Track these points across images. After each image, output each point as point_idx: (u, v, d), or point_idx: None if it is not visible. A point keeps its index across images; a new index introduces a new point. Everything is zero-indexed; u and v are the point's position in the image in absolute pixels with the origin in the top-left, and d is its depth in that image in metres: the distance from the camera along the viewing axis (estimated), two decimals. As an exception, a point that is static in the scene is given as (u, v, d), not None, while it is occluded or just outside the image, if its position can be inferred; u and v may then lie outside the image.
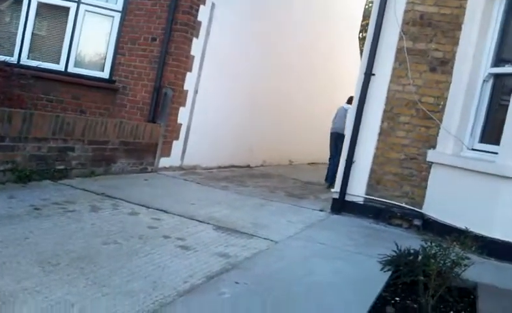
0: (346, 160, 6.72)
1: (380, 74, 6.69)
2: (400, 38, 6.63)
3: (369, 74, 6.67)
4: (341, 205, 6.69)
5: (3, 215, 4.25)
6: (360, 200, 6.72)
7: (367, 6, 19.74)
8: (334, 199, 6.78)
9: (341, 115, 9.71)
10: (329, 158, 9.85)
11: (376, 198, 6.66)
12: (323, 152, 14.37)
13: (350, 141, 6.72)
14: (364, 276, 4.18)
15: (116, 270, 3.42)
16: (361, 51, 9.23)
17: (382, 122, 6.74)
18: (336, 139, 9.59)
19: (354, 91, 6.83)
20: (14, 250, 3.47)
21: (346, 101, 9.97)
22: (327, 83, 14.10)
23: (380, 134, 6.74)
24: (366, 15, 18.37)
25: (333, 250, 4.86)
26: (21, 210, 4.50)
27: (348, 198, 6.72)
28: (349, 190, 6.71)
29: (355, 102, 6.78)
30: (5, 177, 5.43)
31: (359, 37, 18.00)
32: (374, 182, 6.73)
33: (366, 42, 6.88)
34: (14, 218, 4.24)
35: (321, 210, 6.78)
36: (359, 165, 6.74)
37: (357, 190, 6.73)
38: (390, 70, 6.69)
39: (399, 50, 6.65)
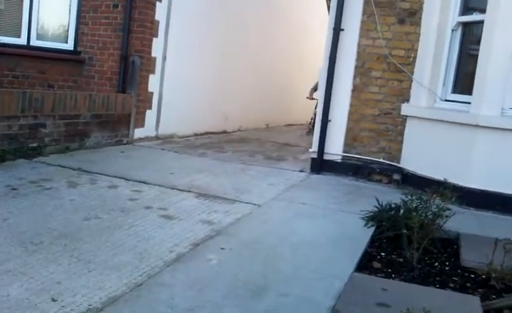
0: (322, 119, 6.71)
1: (349, 29, 6.63)
2: (366, -10, 6.57)
3: (337, 29, 6.59)
4: (320, 165, 6.71)
5: (-22, 197, 4.15)
6: (338, 158, 6.75)
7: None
8: (313, 158, 6.79)
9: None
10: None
11: (354, 155, 6.70)
12: (299, 115, 14.43)
13: (324, 100, 6.70)
14: (348, 233, 4.22)
15: (100, 245, 3.37)
16: (329, 6, 9.09)
17: (355, 78, 6.72)
18: None
19: (324, 48, 6.76)
20: (-7, 232, 3.40)
21: None
22: (298, 43, 14.01)
23: (353, 91, 6.73)
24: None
25: (316, 209, 4.89)
26: (-3, 191, 4.40)
27: (326, 157, 6.73)
28: (327, 149, 6.72)
29: (325, 59, 6.71)
30: (-24, 158, 5.29)
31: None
32: (350, 139, 6.75)
33: (332, -3, 6.80)
34: (-10, 199, 4.14)
35: (301, 171, 6.80)
36: (334, 123, 6.74)
37: (335, 148, 6.75)
38: (359, 24, 6.64)
39: (367, 2, 6.57)
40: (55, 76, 8.11)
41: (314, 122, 10.59)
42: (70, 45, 8.25)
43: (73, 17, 8.19)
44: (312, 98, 11.90)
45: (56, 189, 4.66)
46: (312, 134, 10.35)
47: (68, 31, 8.26)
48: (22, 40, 8.05)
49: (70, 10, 8.21)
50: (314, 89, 11.69)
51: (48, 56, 8.06)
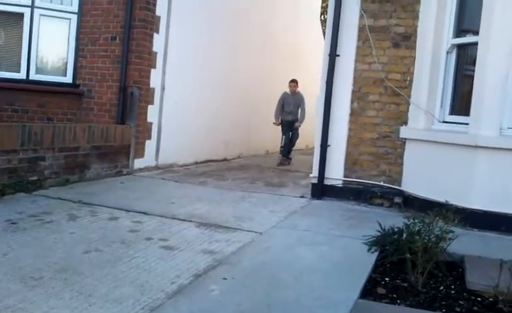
0: (321, 145, 6.71)
1: (345, 54, 6.68)
2: (361, 16, 6.63)
3: (333, 55, 6.64)
4: (321, 190, 6.68)
5: (-22, 233, 4.12)
6: (339, 183, 6.73)
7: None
8: (313, 184, 6.77)
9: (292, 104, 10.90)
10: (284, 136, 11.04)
11: (355, 179, 6.68)
12: (299, 140, 14.45)
13: (323, 125, 6.70)
14: (351, 259, 4.17)
15: (101, 278, 3.34)
16: (324, 33, 9.16)
17: (352, 102, 6.74)
18: (292, 124, 11.04)
19: (321, 74, 6.80)
20: (-7, 268, 3.36)
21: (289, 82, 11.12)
22: (295, 69, 14.09)
23: (351, 115, 6.75)
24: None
25: (318, 235, 4.85)
26: (-3, 226, 4.37)
27: (327, 182, 6.71)
28: (327, 174, 6.70)
29: (322, 84, 6.75)
30: (-24, 193, 5.28)
31: (320, 19, 17.99)
32: (350, 163, 6.74)
33: (327, 24, 6.84)
34: (-10, 235, 4.11)
35: (302, 197, 6.77)
36: (334, 148, 6.74)
37: (335, 173, 6.74)
38: (354, 49, 6.69)
39: (361, 28, 6.64)
40: (54, 109, 8.14)
41: (284, 150, 10.82)
42: (68, 79, 8.30)
43: (71, 51, 8.27)
44: (280, 123, 11.03)
45: (57, 222, 4.64)
46: (286, 163, 10.64)
47: (66, 64, 8.32)
48: (21, 74, 8.11)
49: (68, 43, 8.28)
50: (279, 109, 10.97)
51: (47, 89, 8.11)
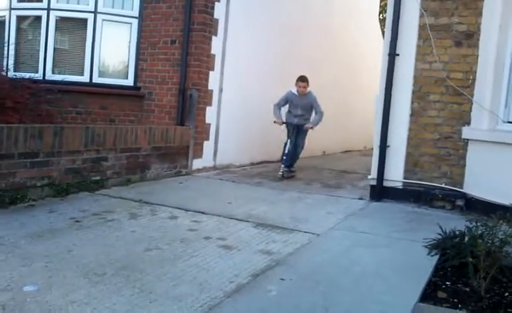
0: (380, 145, 6.60)
1: (405, 54, 6.55)
2: (422, 15, 6.48)
3: (393, 55, 6.54)
4: (380, 192, 6.57)
5: (46, 230, 4.30)
6: (399, 185, 6.60)
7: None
8: (372, 186, 6.67)
9: (301, 107, 8.53)
10: (288, 142, 8.51)
11: (415, 181, 6.53)
12: (356, 140, 14.27)
13: (382, 126, 6.59)
14: (411, 262, 4.09)
15: (161, 276, 3.41)
16: (383, 32, 8.92)
17: (412, 102, 6.60)
18: (298, 128, 8.53)
19: (380, 73, 6.69)
20: (59, 264, 3.50)
21: (296, 81, 8.53)
22: (353, 69, 13.94)
23: (411, 115, 6.61)
24: (384, -5, 18.06)
25: (377, 237, 4.77)
26: (62, 223, 4.54)
27: (386, 184, 6.59)
28: (386, 176, 6.58)
29: (381, 84, 6.63)
30: (43, 192, 5.50)
31: (379, 18, 17.70)
32: (411, 165, 6.60)
33: (387, 23, 6.73)
34: (56, 231, 4.27)
35: (360, 199, 6.68)
36: (393, 149, 6.62)
37: (395, 174, 6.61)
38: (414, 49, 6.55)
39: (422, 27, 6.50)
40: (116, 111, 8.39)
41: (287, 158, 8.29)
42: (130, 81, 8.54)
43: (132, 54, 8.51)
44: (283, 123, 8.66)
45: (118, 221, 4.77)
46: (290, 175, 8.34)
47: (128, 68, 8.56)
48: (85, 78, 8.41)
49: (129, 47, 8.53)
50: (279, 107, 8.60)
51: (109, 92, 8.38)
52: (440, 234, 4.37)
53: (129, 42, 8.52)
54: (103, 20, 8.40)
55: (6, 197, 5.02)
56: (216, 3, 8.23)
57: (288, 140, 8.54)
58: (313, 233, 4.76)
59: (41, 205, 5.22)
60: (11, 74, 8.28)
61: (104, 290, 3.10)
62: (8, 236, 4.04)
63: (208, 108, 8.32)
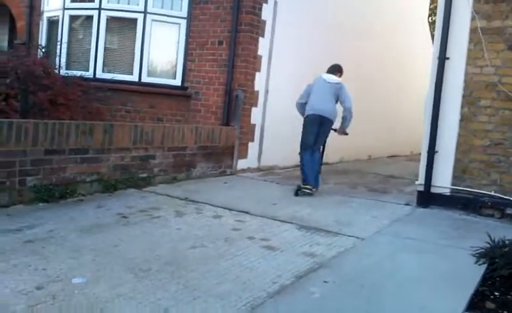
0: (428, 151, 6.46)
1: (455, 57, 6.39)
2: (473, 18, 6.30)
3: (443, 58, 6.39)
4: (427, 198, 6.43)
5: (94, 224, 4.40)
6: (446, 191, 6.44)
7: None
8: (419, 191, 6.54)
9: (325, 91, 6.87)
10: (304, 151, 6.85)
11: (463, 188, 6.36)
12: (403, 145, 14.03)
13: (431, 131, 6.46)
14: (457, 270, 3.99)
15: (205, 273, 3.44)
16: (432, 35, 8.72)
17: (462, 107, 6.43)
18: (320, 125, 6.83)
19: (429, 77, 6.55)
20: (106, 258, 3.58)
21: (327, 70, 7.19)
22: (400, 72, 13.72)
23: (461, 121, 6.43)
24: (434, -1, 17.68)
25: (423, 244, 4.68)
26: (110, 218, 4.65)
27: (433, 190, 6.44)
28: (434, 182, 6.44)
29: (430, 88, 6.50)
30: (92, 187, 5.64)
31: (428, 21, 17.35)
32: (459, 171, 6.43)
33: (436, 26, 6.59)
34: (104, 226, 4.38)
35: (406, 204, 6.56)
36: (442, 155, 6.46)
37: (443, 181, 6.45)
38: (465, 52, 6.37)
39: (473, 30, 6.32)
40: (163, 110, 8.54)
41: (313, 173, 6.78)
42: (177, 81, 8.67)
43: (180, 55, 8.63)
44: (342, 132, 7.25)
45: (164, 218, 4.84)
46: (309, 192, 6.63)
47: (176, 68, 8.69)
48: (134, 77, 8.59)
49: (177, 48, 8.65)
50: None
51: (157, 91, 8.53)
52: (488, 243, 4.25)
53: (178, 43, 8.65)
54: (153, 20, 8.56)
55: (56, 191, 5.17)
56: (264, 4, 8.26)
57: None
58: (358, 237, 4.71)
59: (89, 200, 5.36)
60: (63, 71, 8.56)
61: (149, 285, 3.16)
62: (58, 229, 4.16)
63: (253, 109, 8.36)
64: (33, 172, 4.99)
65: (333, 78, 7.01)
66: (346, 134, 7.23)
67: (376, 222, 5.46)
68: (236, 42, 8.09)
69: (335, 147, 10.74)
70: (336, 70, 7.17)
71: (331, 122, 6.89)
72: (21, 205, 4.82)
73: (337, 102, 6.97)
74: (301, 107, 7.14)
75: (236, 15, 8.06)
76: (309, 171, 6.74)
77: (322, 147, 7.18)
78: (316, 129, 6.82)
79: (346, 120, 7.00)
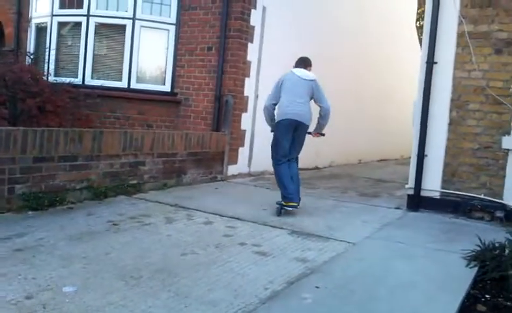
0: (418, 155, 6.50)
1: (443, 62, 6.43)
2: (460, 23, 6.36)
3: (431, 63, 6.43)
4: (417, 202, 6.46)
5: (84, 232, 4.37)
6: (436, 195, 6.47)
7: (420, -7, 19.06)
8: (409, 195, 6.57)
9: (299, 90, 5.87)
10: (278, 163, 5.92)
11: (453, 191, 6.40)
12: (392, 149, 14.09)
13: (420, 135, 6.50)
14: (449, 274, 4.00)
15: (196, 281, 3.42)
16: (420, 40, 8.76)
17: (451, 111, 6.47)
18: (295, 131, 5.86)
19: (418, 81, 6.60)
20: (97, 266, 3.55)
21: (296, 64, 6.21)
22: (389, 76, 13.79)
23: (450, 124, 6.48)
24: (422, 3, 17.79)
25: (414, 248, 4.69)
26: (100, 226, 4.62)
27: (423, 194, 6.47)
28: (424, 185, 6.47)
29: (419, 93, 6.53)
30: (82, 195, 5.60)
31: (416, 26, 17.46)
32: (449, 175, 6.47)
33: (424, 30, 6.64)
34: (94, 234, 4.35)
35: (397, 208, 6.58)
36: (431, 158, 6.50)
37: (432, 184, 6.48)
38: (453, 57, 6.42)
39: (460, 35, 6.37)
40: (153, 117, 8.52)
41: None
42: (167, 87, 8.65)
43: (170, 61, 8.62)
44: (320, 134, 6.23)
45: (155, 224, 4.82)
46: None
47: (165, 73, 8.68)
48: (123, 83, 8.57)
49: (167, 54, 8.64)
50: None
51: (147, 98, 8.51)
52: (478, 245, 4.27)
53: (167, 49, 8.64)
54: (142, 26, 8.55)
55: (45, 199, 5.13)
56: (252, 10, 8.28)
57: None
58: (349, 242, 4.71)
59: (79, 207, 5.32)
60: (52, 78, 8.52)
61: (140, 293, 3.14)
62: (47, 237, 4.13)
63: (243, 115, 8.36)
64: (22, 180, 4.95)
65: (307, 74, 5.98)
66: (323, 134, 6.25)
67: (367, 226, 5.47)
68: (225, 48, 8.10)
69: (325, 151, 10.80)
70: (307, 63, 6.14)
71: (306, 127, 5.89)
72: (10, 213, 4.77)
73: (310, 100, 5.96)
74: (271, 111, 6.04)
75: (224, 21, 8.07)
76: (289, 183, 5.73)
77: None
78: (291, 136, 5.84)
79: (324, 120, 6.02)
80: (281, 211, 5.70)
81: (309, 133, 6.08)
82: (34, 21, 9.78)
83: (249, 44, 8.31)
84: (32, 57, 9.18)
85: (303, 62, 6.12)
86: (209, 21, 8.31)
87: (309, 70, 6.09)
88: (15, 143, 4.86)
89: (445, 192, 6.45)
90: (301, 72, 5.97)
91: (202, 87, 8.37)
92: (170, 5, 8.58)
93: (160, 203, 5.83)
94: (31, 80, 7.09)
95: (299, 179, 5.95)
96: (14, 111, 6.92)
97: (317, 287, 3.47)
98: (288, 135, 5.83)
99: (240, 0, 8.06)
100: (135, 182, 6.31)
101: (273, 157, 5.98)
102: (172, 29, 8.59)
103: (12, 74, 6.99)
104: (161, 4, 8.63)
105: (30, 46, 9.72)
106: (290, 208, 5.68)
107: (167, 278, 3.43)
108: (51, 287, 3.11)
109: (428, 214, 6.29)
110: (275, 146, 5.96)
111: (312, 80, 5.94)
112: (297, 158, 6.09)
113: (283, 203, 5.70)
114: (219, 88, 8.11)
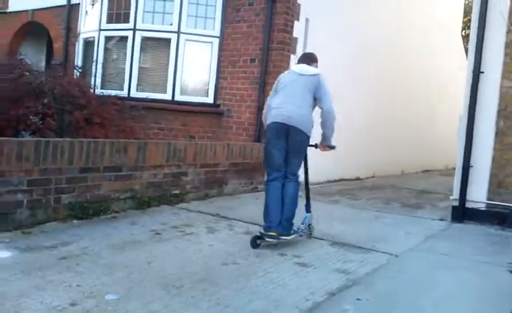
0: (463, 165, 6.36)
1: (490, 71, 6.32)
2: (508, 31, 6.22)
3: (477, 72, 6.31)
4: (462, 213, 6.32)
5: (127, 241, 4.45)
6: (482, 206, 6.32)
7: (467, 2, 18.69)
8: (454, 207, 6.43)
9: (297, 87, 4.85)
10: (270, 178, 4.86)
11: (499, 203, 6.23)
12: (437, 160, 13.84)
13: (465, 145, 6.36)
14: (495, 287, 3.90)
15: (237, 290, 3.44)
16: (466, 49, 8.59)
17: (497, 121, 6.33)
18: (286, 137, 4.81)
19: (464, 91, 6.47)
20: (139, 275, 3.61)
21: (298, 60, 5.42)
22: (435, 86, 13.56)
23: (496, 135, 6.33)
24: (468, 12, 17.46)
25: (459, 260, 4.59)
26: (143, 235, 4.69)
27: (468, 205, 6.33)
28: (469, 197, 6.33)
29: (465, 102, 6.40)
30: (126, 204, 5.71)
31: (462, 35, 17.13)
32: (495, 186, 6.31)
33: (470, 39, 6.52)
34: (137, 243, 4.42)
35: (441, 220, 6.45)
36: (477, 169, 6.36)
37: (478, 195, 6.34)
38: (500, 66, 6.30)
39: (508, 44, 6.24)
40: (196, 128, 8.64)
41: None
42: (210, 99, 8.77)
43: (213, 73, 8.75)
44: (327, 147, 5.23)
45: (196, 234, 4.87)
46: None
47: (208, 86, 8.80)
48: (167, 96, 8.74)
49: (210, 66, 8.78)
50: None
51: (190, 109, 8.65)
52: (527, 259, 4.14)
53: (210, 61, 8.76)
54: (186, 40, 8.71)
55: (90, 208, 5.25)
56: (295, 22, 8.31)
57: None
58: (391, 254, 4.64)
59: (123, 217, 5.42)
60: (98, 91, 8.75)
61: (182, 302, 3.17)
62: (92, 246, 4.22)
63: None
64: (68, 190, 5.09)
65: (308, 69, 4.97)
66: (332, 147, 5.21)
67: (411, 238, 5.38)
68: (267, 60, 8.17)
69: (368, 162, 10.70)
70: (311, 59, 5.19)
71: (302, 133, 4.77)
72: (56, 222, 4.90)
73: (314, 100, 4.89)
74: (265, 116, 5.10)
75: (268, 33, 8.16)
76: (272, 210, 4.69)
77: (305, 167, 5.30)
78: (283, 143, 4.79)
79: (326, 128, 5.02)
80: (256, 242, 4.57)
81: (315, 146, 5.16)
82: (82, 36, 10.09)
83: (292, 56, 8.33)
84: (80, 70, 9.46)
85: (307, 58, 5.20)
86: (252, 34, 8.40)
87: (315, 67, 5.09)
88: (62, 153, 4.99)
89: (491, 203, 6.29)
90: (300, 67, 5.04)
91: (244, 98, 8.45)
92: (214, 18, 8.72)
93: (202, 212, 5.89)
94: (79, 93, 7.29)
95: (294, 203, 4.81)
96: (61, 123, 7.13)
97: (358, 299, 3.43)
98: (278, 142, 4.78)
99: (283, 13, 8.12)
100: (177, 192, 6.39)
101: (265, 169, 5.05)
102: (216, 41, 8.72)
103: (61, 88, 7.21)
104: (206, 17, 8.77)
105: (78, 60, 10.04)
106: (269, 239, 4.59)
107: (208, 287, 3.46)
108: (95, 294, 3.17)
109: (474, 226, 6.14)
110: (264, 157, 5.14)
111: (313, 75, 4.89)
112: (306, 178, 5.32)
113: (262, 231, 4.68)
114: (261, 99, 8.15)
